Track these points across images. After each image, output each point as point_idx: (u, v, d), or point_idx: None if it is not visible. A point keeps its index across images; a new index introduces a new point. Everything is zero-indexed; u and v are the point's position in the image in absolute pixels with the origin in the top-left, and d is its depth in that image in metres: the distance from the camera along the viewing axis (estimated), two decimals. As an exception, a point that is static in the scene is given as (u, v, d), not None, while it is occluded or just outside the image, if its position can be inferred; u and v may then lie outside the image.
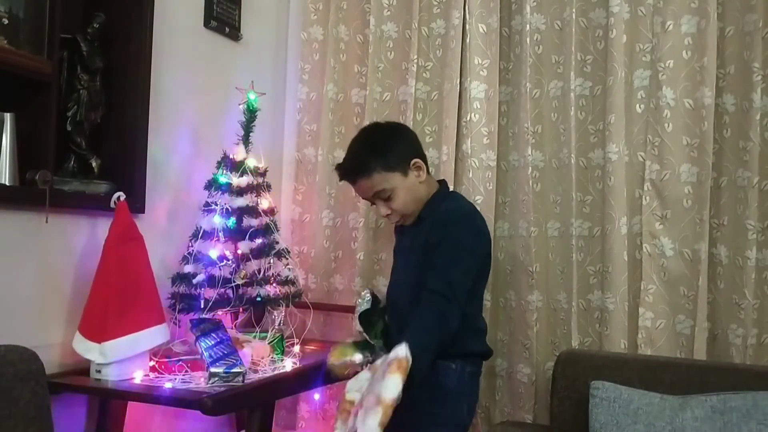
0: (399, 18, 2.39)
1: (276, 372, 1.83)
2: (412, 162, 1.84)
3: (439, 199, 1.88)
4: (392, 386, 1.28)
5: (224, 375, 1.66)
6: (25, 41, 1.61)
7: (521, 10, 2.20)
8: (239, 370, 1.67)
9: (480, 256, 1.81)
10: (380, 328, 1.87)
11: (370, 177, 1.81)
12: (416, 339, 1.49)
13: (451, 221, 1.77)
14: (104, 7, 1.85)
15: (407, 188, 1.83)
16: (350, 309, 2.13)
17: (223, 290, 1.91)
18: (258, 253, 1.99)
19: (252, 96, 2.05)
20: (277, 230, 2.07)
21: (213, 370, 1.66)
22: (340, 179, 1.92)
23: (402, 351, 1.35)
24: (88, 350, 1.66)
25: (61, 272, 1.75)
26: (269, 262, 2.02)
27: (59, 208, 1.69)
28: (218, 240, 1.95)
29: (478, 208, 1.99)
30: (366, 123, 2.36)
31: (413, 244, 1.85)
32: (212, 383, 1.65)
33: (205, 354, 1.70)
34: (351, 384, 1.44)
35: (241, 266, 1.95)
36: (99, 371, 1.67)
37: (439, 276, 1.67)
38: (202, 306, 1.88)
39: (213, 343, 1.74)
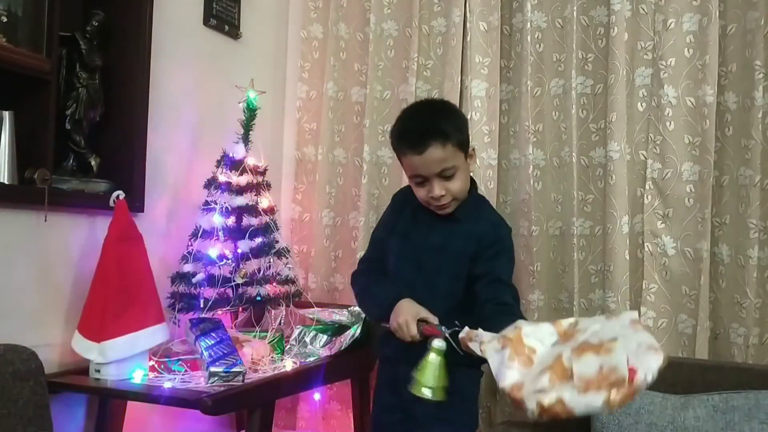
0: (399, 16, 2.38)
1: (276, 372, 1.82)
2: (471, 148, 1.70)
3: (473, 202, 1.73)
4: (652, 339, 1.25)
5: (224, 374, 1.66)
6: (24, 39, 1.61)
7: (522, 8, 2.20)
8: (239, 370, 1.67)
9: None
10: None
11: (445, 146, 1.59)
12: None
13: (504, 236, 1.72)
14: (103, 5, 1.85)
15: (466, 172, 1.68)
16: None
17: (222, 289, 1.90)
18: (258, 252, 1.99)
19: (252, 94, 2.04)
20: (277, 229, 2.06)
21: (213, 369, 1.66)
22: (408, 142, 1.62)
23: (636, 314, 1.33)
24: (88, 350, 1.66)
25: (60, 271, 1.75)
26: (269, 262, 2.02)
27: (58, 207, 1.69)
28: (218, 239, 1.95)
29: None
30: (366, 122, 2.36)
31: (446, 246, 1.70)
32: (212, 383, 1.64)
33: (205, 353, 1.70)
34: (529, 330, 1.34)
35: (241, 265, 1.95)
36: (98, 371, 1.67)
37: (509, 289, 1.66)
38: (201, 305, 1.87)
39: (213, 342, 1.74)
